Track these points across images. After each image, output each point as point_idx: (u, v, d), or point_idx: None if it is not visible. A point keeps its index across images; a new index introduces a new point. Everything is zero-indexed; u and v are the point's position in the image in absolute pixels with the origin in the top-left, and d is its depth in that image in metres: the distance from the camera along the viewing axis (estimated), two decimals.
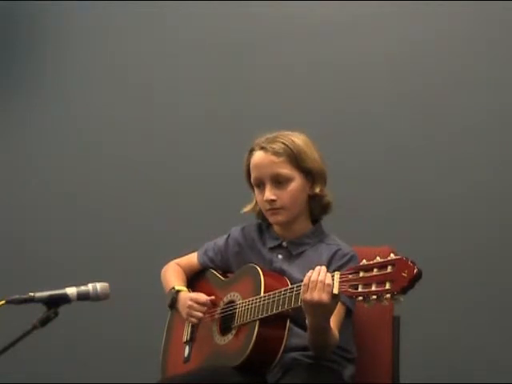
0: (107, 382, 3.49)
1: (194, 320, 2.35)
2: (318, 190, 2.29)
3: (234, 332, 2.24)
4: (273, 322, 2.13)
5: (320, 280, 1.97)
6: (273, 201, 2.26)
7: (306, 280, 1.99)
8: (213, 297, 2.36)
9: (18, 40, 4.11)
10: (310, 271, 2.00)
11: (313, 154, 2.30)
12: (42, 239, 3.91)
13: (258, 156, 2.29)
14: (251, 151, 2.33)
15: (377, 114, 3.27)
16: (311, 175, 2.29)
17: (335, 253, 2.26)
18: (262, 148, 2.28)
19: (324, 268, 2.01)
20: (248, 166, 2.34)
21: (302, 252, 2.31)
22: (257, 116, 3.45)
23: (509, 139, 3.06)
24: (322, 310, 1.99)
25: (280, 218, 2.29)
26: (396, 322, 2.38)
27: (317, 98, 3.39)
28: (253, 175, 2.31)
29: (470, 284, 3.02)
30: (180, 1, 3.73)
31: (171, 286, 2.44)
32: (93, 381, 3.57)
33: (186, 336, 2.42)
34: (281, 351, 2.13)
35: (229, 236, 2.46)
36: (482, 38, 3.14)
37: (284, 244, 2.34)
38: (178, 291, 2.41)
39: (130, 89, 3.83)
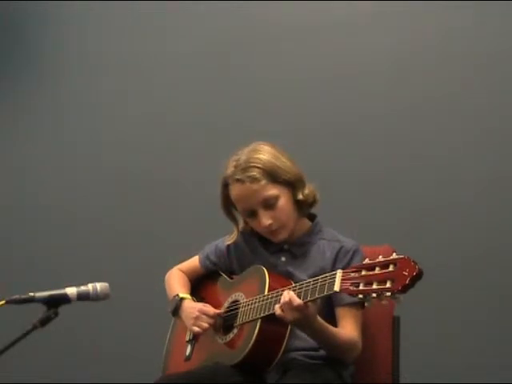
0: (107, 381, 3.49)
1: (198, 330, 2.32)
2: (300, 195, 2.28)
3: (235, 331, 2.25)
4: (275, 322, 2.13)
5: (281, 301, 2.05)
6: (271, 224, 2.26)
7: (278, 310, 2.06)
8: (220, 310, 2.34)
9: (17, 40, 4.11)
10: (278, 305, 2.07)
11: (284, 163, 2.27)
12: (41, 239, 3.90)
13: (238, 189, 2.26)
14: (226, 185, 2.29)
15: (377, 115, 3.27)
16: (290, 184, 2.27)
17: (339, 251, 2.27)
18: (238, 180, 2.25)
19: (286, 290, 2.07)
20: (225, 198, 2.32)
21: (305, 251, 2.31)
22: (258, 117, 3.45)
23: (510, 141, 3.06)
24: (304, 317, 2.04)
25: (282, 236, 2.30)
26: (396, 322, 2.38)
27: (318, 98, 3.38)
28: (240, 207, 2.29)
29: (469, 284, 3.02)
30: (180, 1, 3.72)
31: (175, 293, 2.44)
32: (93, 381, 3.56)
33: (188, 335, 2.43)
34: (281, 351, 2.14)
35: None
36: (483, 38, 3.14)
37: (285, 247, 2.34)
38: (182, 299, 2.41)
39: (129, 90, 3.83)
